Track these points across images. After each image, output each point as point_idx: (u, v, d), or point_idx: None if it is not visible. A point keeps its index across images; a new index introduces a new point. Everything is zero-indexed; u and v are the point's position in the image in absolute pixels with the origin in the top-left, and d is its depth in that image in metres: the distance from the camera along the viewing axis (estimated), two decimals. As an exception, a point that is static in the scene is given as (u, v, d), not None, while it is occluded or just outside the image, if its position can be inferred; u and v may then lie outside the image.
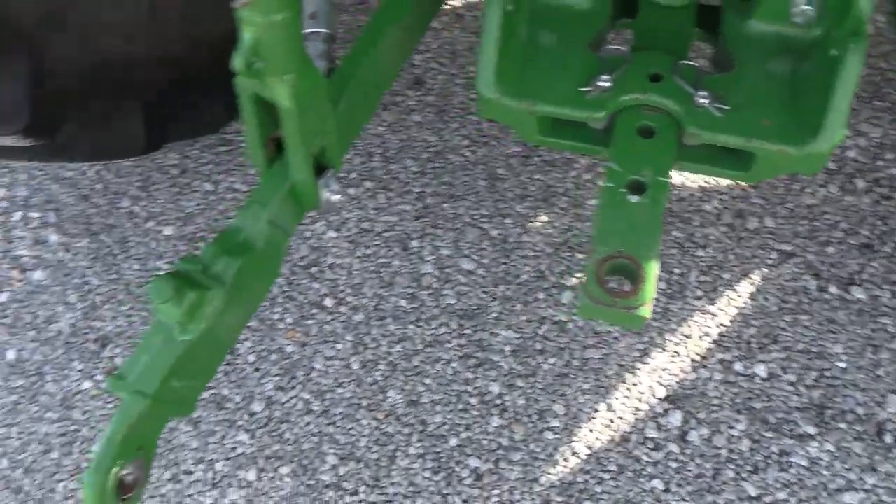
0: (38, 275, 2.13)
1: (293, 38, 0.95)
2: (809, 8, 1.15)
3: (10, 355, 2.02)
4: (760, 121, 1.16)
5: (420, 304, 1.91)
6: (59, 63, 1.54)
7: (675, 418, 1.66)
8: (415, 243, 2.00)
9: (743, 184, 1.94)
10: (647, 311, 1.00)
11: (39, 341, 2.04)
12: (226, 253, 1.11)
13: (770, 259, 1.82)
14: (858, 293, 1.74)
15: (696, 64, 1.19)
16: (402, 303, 1.92)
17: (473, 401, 1.76)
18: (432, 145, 2.15)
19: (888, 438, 1.57)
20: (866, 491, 1.52)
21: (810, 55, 1.18)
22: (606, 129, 1.21)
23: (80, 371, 1.99)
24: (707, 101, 1.15)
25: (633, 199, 1.10)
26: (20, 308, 2.09)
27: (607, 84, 1.18)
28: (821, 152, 1.11)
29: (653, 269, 1.03)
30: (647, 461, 1.62)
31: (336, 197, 1.19)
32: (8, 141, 1.57)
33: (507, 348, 1.81)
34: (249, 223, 1.13)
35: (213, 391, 1.89)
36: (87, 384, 1.97)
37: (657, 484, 1.60)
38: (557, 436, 1.68)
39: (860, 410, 1.60)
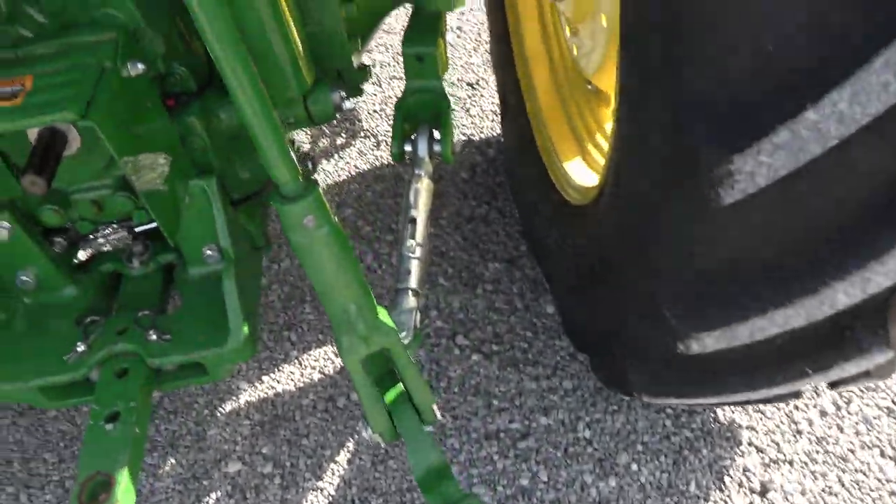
0: None
1: None
2: (213, 253, 1.49)
3: None
4: (197, 337, 1.44)
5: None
6: None
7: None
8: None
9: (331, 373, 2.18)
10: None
11: None
12: None
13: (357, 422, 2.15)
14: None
15: (149, 312, 1.48)
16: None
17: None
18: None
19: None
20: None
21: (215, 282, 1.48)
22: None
23: None
24: (155, 337, 1.43)
25: (109, 427, 1.29)
26: None
27: (82, 348, 1.42)
28: (237, 348, 1.42)
29: (125, 475, 1.21)
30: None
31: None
32: None
33: None
34: None
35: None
36: None
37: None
38: None
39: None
